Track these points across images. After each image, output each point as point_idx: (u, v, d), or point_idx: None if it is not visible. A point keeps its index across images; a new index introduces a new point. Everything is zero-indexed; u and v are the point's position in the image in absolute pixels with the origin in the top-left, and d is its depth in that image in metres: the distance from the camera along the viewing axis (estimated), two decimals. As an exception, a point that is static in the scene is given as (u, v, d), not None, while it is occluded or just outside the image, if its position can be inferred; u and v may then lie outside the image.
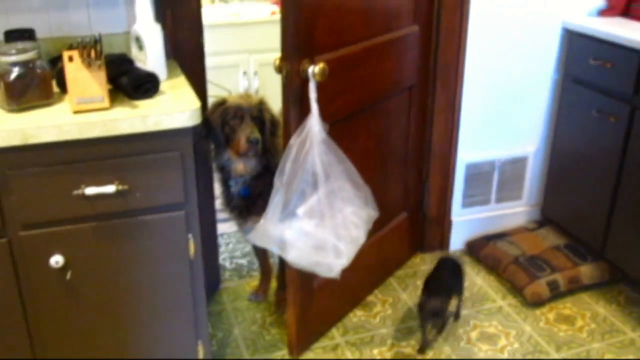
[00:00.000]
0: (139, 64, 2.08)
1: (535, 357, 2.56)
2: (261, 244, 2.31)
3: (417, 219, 3.18)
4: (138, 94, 1.91)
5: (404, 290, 2.97)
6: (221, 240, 3.29)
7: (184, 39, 2.44)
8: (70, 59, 1.77)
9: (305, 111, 2.17)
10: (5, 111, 1.81)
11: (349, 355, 2.57)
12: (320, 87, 2.16)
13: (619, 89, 2.71)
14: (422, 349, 2.57)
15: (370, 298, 2.92)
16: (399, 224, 3.05)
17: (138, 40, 2.08)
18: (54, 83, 1.92)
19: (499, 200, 3.28)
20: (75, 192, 1.80)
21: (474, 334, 2.69)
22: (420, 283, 2.87)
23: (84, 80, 1.79)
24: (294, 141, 2.14)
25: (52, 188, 1.80)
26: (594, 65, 2.82)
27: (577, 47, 2.94)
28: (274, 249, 2.31)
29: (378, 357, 2.57)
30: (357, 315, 2.80)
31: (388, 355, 2.58)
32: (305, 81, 2.16)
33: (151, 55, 2.07)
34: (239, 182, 2.46)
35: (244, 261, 3.19)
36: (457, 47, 2.88)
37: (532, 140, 3.21)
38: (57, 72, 1.94)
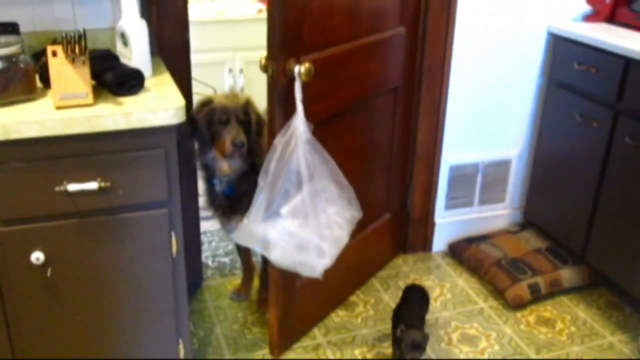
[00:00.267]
0: (124, 60, 2.07)
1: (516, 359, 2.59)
2: (244, 243, 2.31)
3: (400, 220, 3.18)
4: (122, 91, 1.89)
5: (386, 291, 2.97)
6: (204, 238, 3.28)
7: (169, 35, 2.43)
8: (54, 53, 1.76)
9: (290, 111, 2.16)
10: (-13, 105, 1.79)
11: (330, 355, 2.57)
12: (305, 87, 2.16)
13: (603, 94, 2.73)
14: None
15: (353, 298, 2.92)
16: (383, 224, 3.05)
17: (123, 36, 2.07)
18: (37, 78, 1.90)
19: (482, 202, 3.29)
20: (58, 188, 1.78)
21: (454, 336, 2.69)
22: (402, 284, 2.88)
23: (68, 75, 1.77)
24: (279, 141, 2.14)
25: (33, 184, 1.78)
26: (578, 70, 2.84)
27: (562, 51, 2.96)
28: (257, 248, 2.31)
29: (359, 358, 2.57)
30: (339, 316, 2.80)
31: (369, 355, 2.58)
32: (291, 81, 2.16)
33: (136, 51, 2.06)
34: (223, 181, 2.45)
35: (226, 259, 3.18)
36: (442, 50, 2.89)
37: (515, 143, 3.22)
38: (40, 67, 1.92)
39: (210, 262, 3.15)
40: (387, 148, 2.92)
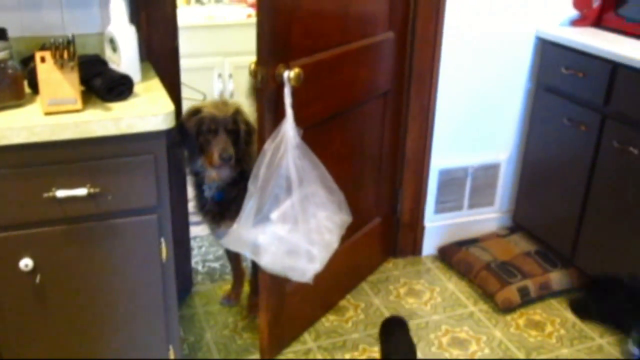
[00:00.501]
0: (113, 66, 2.06)
1: (505, 363, 2.59)
2: (234, 248, 2.31)
3: (390, 224, 3.19)
4: (111, 96, 1.89)
5: (376, 295, 2.97)
6: (194, 244, 3.27)
7: (158, 41, 2.43)
8: (43, 59, 1.75)
9: (280, 116, 2.16)
10: (-25, 111, 1.79)
11: None
12: (295, 92, 2.16)
13: (590, 98, 2.75)
14: None
15: (343, 303, 2.92)
16: (372, 229, 3.05)
17: (112, 41, 2.06)
18: (25, 84, 1.89)
19: (472, 206, 3.30)
20: (46, 194, 1.78)
21: (445, 339, 2.70)
22: (392, 288, 2.89)
23: (56, 81, 1.76)
24: (269, 146, 2.14)
25: (22, 190, 1.77)
26: (566, 75, 2.85)
27: (550, 56, 2.98)
28: (247, 254, 2.30)
29: (350, 362, 2.57)
30: (329, 320, 2.80)
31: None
32: (280, 86, 2.16)
33: (125, 57, 2.05)
34: (212, 187, 2.44)
35: (216, 265, 3.17)
36: (431, 54, 2.90)
37: (504, 147, 3.24)
38: (28, 73, 1.91)
39: (200, 268, 3.14)
40: (377, 152, 2.92)
